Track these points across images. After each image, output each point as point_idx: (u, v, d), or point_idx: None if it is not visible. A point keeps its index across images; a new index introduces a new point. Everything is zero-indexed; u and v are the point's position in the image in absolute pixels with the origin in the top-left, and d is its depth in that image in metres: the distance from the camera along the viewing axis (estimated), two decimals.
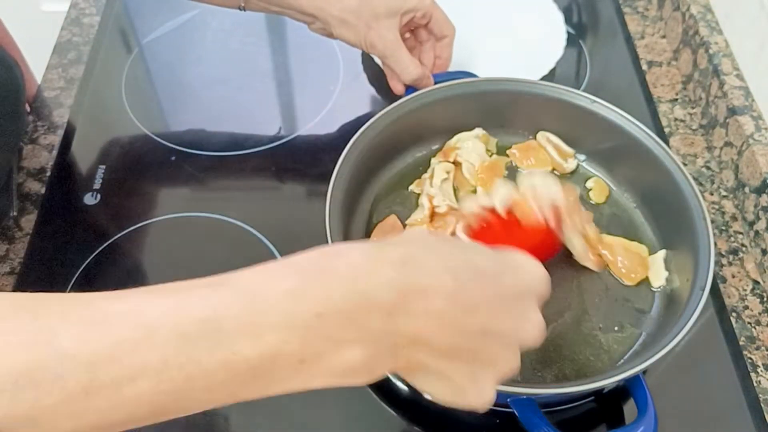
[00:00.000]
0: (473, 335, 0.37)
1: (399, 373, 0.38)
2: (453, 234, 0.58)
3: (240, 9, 0.71)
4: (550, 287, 0.42)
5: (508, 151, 0.71)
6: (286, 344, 0.33)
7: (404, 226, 0.65)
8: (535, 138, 0.71)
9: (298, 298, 0.33)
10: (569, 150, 0.70)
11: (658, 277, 0.62)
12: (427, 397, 0.40)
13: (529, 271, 0.41)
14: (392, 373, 0.38)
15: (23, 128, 0.76)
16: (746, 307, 0.64)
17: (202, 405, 0.34)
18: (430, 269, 0.36)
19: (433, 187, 0.65)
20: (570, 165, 0.70)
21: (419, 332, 0.35)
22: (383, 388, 0.58)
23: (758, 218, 0.66)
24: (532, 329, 0.40)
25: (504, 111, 0.71)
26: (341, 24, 0.67)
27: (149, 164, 0.75)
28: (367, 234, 0.65)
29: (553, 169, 0.70)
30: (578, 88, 0.71)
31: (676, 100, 0.81)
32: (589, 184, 0.69)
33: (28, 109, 0.80)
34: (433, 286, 0.36)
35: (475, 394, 0.38)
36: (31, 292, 0.64)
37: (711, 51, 0.77)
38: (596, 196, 0.68)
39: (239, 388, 0.33)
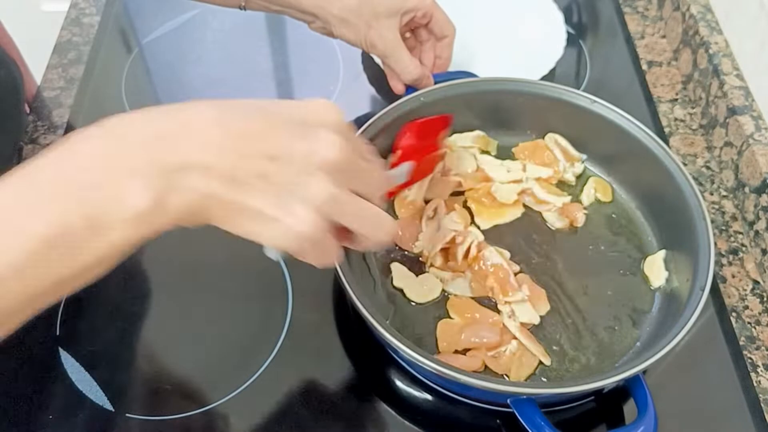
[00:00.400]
0: (256, 159, 0.39)
1: (212, 220, 0.40)
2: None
3: (241, 8, 0.71)
4: (340, 116, 0.42)
5: (513, 150, 0.71)
6: (65, 214, 0.36)
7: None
8: (542, 138, 0.71)
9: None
10: (576, 154, 0.70)
11: (658, 277, 0.62)
12: (269, 254, 0.43)
13: (312, 102, 0.42)
14: (191, 215, 0.39)
15: (23, 128, 0.76)
16: (746, 307, 0.64)
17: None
18: (192, 109, 0.39)
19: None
20: (577, 169, 0.70)
21: (187, 157, 0.38)
22: (384, 389, 0.58)
23: (758, 218, 0.66)
24: (327, 147, 0.40)
25: (504, 111, 0.71)
26: (341, 23, 0.67)
27: None
28: None
29: (555, 173, 0.69)
30: (578, 88, 0.71)
31: (676, 100, 0.81)
32: (591, 184, 0.69)
33: (27, 109, 0.80)
34: (195, 117, 0.39)
35: (292, 221, 0.39)
36: None
37: (711, 51, 0.77)
38: (602, 196, 0.68)
39: (47, 266, 0.36)
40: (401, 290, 0.61)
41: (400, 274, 0.62)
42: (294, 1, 0.68)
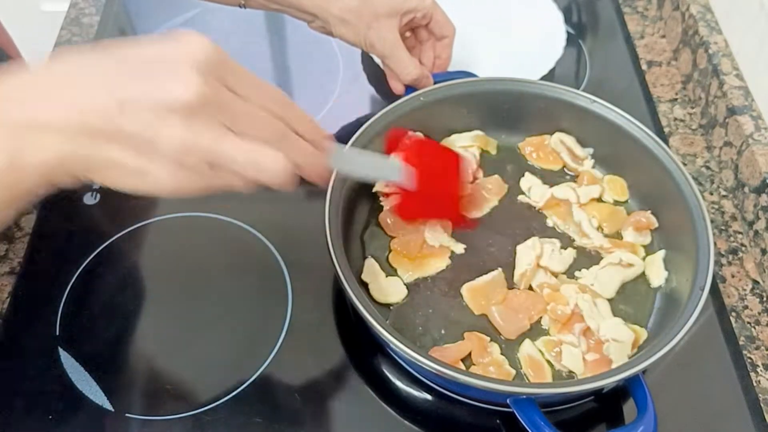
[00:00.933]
0: (105, 110, 0.37)
1: (83, 175, 0.39)
2: None
3: (240, 6, 0.71)
4: (206, 49, 0.39)
5: (519, 145, 0.71)
6: None
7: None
8: (550, 135, 0.71)
9: None
10: (582, 153, 0.70)
11: (658, 277, 0.62)
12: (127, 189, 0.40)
13: (175, 37, 0.39)
14: (55, 172, 0.38)
15: None
16: (746, 307, 0.64)
17: None
18: (52, 65, 0.38)
19: None
20: (586, 167, 0.69)
21: (33, 115, 0.37)
22: (384, 388, 0.58)
23: (758, 218, 0.66)
24: (180, 87, 0.37)
25: (504, 111, 0.71)
26: (341, 23, 0.67)
27: None
28: (365, 232, 0.65)
29: (564, 166, 0.70)
30: (578, 88, 0.71)
31: (676, 99, 0.81)
32: (606, 181, 0.69)
33: None
34: (48, 74, 0.38)
35: (156, 172, 0.38)
36: (30, 291, 0.64)
37: (711, 51, 0.77)
38: (618, 194, 0.68)
39: None
40: (366, 285, 0.61)
41: (369, 270, 0.62)
42: (294, 0, 0.68)
